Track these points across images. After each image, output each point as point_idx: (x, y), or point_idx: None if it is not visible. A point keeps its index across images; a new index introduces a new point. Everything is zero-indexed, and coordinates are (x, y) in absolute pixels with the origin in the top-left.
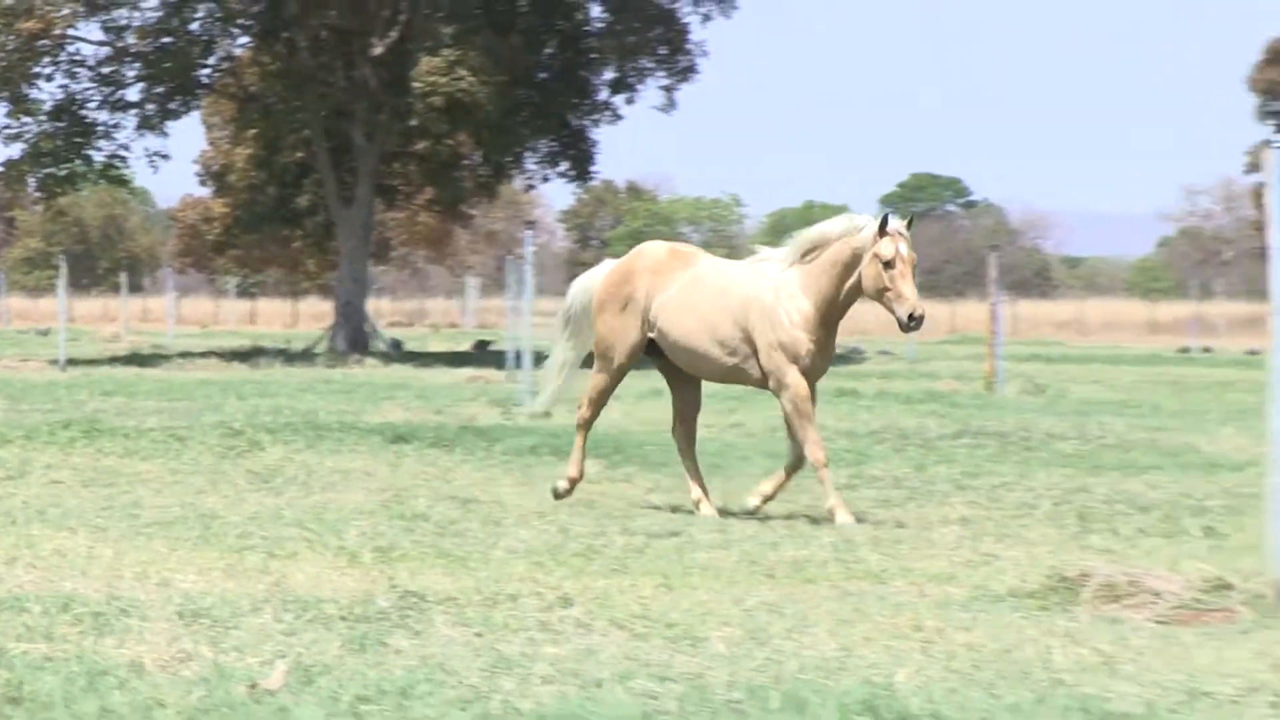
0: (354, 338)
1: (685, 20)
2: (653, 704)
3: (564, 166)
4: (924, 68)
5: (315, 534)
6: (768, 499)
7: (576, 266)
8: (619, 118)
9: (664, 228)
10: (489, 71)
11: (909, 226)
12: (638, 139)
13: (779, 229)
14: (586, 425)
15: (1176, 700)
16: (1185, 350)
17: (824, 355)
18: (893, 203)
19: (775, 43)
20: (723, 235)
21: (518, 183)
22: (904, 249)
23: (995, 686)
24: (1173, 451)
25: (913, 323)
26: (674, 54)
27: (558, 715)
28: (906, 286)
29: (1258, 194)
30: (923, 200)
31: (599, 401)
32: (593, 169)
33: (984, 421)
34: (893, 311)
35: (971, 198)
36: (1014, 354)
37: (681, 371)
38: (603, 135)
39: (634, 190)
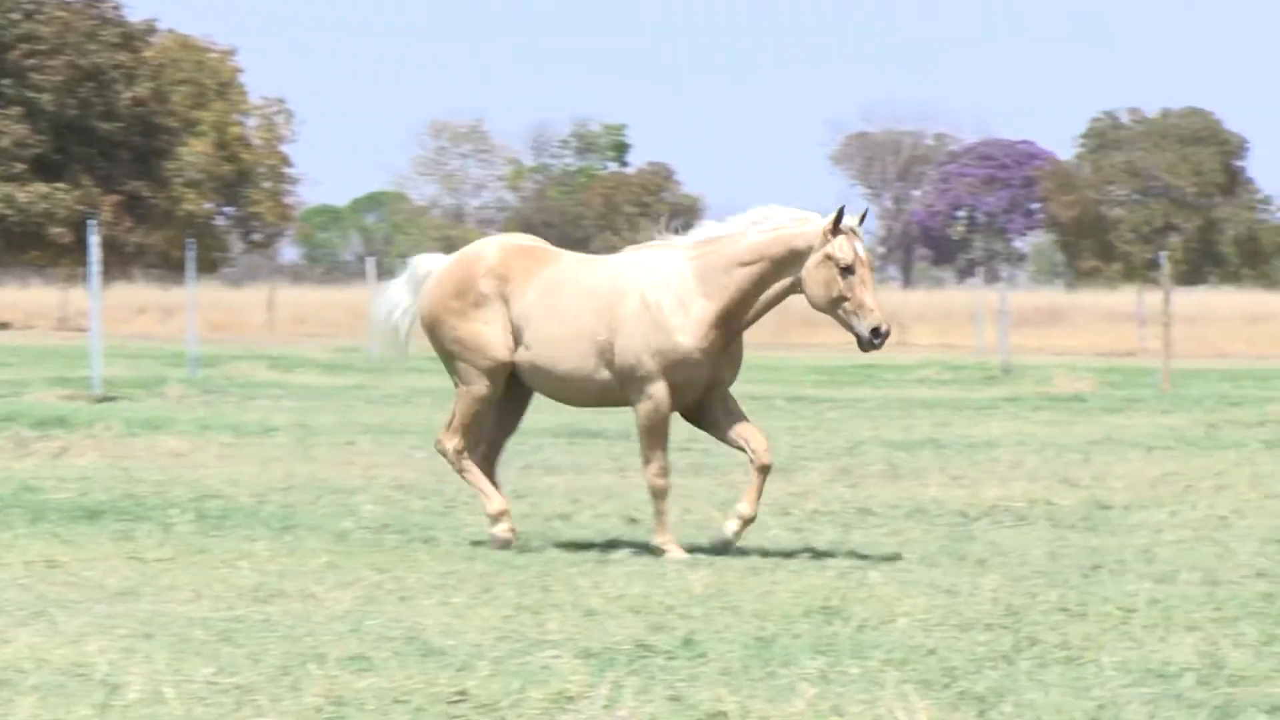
0: None
1: None
2: None
3: None
4: None
5: None
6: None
7: None
8: None
9: None
10: None
11: (861, 222)
12: None
13: None
14: (464, 452)
15: None
16: None
17: (714, 366)
18: None
19: None
20: None
21: None
22: (861, 250)
23: None
24: None
25: (877, 339)
26: None
27: None
28: (869, 296)
29: None
30: None
31: (470, 427)
32: None
33: None
34: (850, 326)
35: None
36: None
37: (511, 388)
38: None
39: None
